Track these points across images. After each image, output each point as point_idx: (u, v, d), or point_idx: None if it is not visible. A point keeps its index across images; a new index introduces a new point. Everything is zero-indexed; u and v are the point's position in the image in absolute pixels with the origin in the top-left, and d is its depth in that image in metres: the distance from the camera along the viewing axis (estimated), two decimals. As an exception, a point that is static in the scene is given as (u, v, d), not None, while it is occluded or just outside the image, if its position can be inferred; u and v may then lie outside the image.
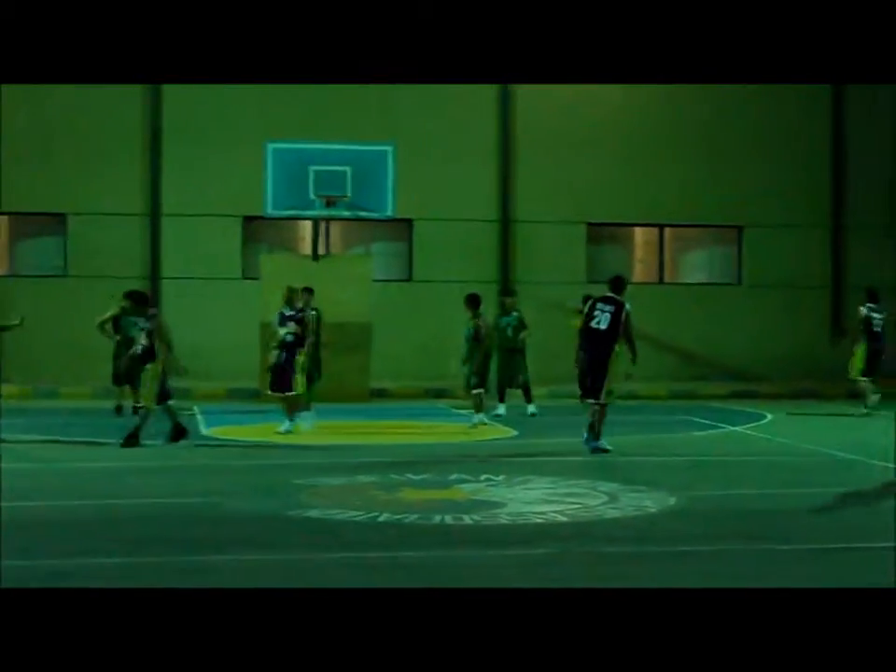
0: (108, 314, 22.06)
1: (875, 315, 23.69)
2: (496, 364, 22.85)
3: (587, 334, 17.44)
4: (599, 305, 17.34)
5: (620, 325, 17.10)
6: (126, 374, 21.67)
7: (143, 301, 18.49)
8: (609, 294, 17.48)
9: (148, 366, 17.76)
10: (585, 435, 17.27)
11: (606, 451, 17.10)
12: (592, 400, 17.28)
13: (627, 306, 17.25)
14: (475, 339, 20.85)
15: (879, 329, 23.66)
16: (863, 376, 23.48)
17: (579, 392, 18.04)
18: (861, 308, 23.88)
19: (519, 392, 23.39)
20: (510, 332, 23.22)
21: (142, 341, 17.89)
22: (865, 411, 22.96)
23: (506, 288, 24.41)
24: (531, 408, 23.02)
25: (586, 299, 21.49)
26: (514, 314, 23.50)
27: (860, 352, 23.62)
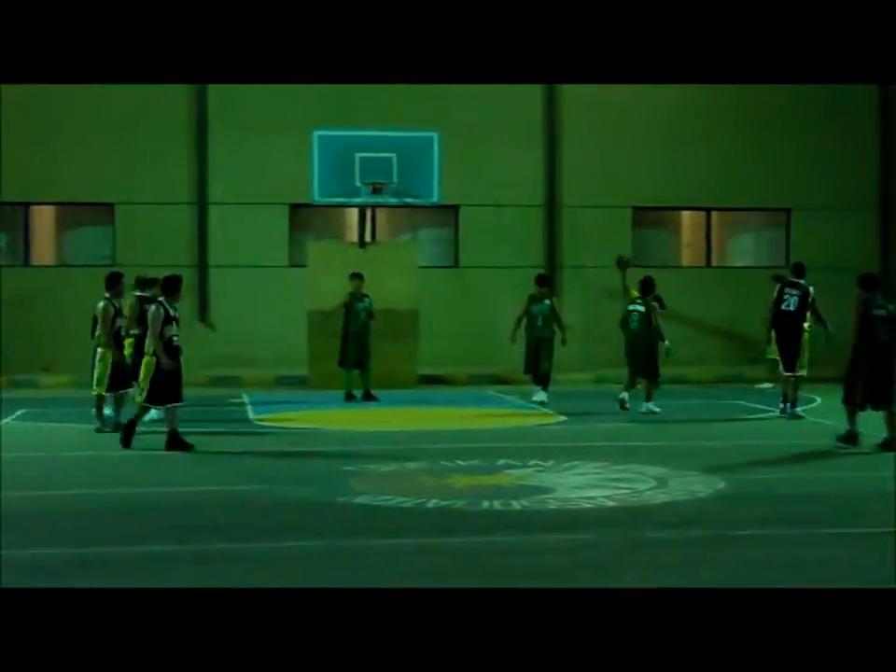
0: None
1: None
2: (525, 352, 22.54)
3: (779, 316, 19.64)
4: (787, 290, 19.66)
5: (807, 305, 19.58)
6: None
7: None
8: (794, 279, 19.83)
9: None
10: (781, 406, 19.79)
11: (800, 417, 19.49)
12: (788, 373, 19.74)
13: (811, 289, 19.71)
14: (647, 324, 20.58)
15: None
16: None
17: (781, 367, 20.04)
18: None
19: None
20: (540, 321, 22.41)
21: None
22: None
23: (540, 276, 23.48)
24: (542, 395, 22.15)
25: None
26: (546, 302, 22.66)
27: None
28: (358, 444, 16.90)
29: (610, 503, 12.20)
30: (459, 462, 14.89)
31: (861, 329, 16.06)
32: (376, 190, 25.69)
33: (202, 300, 29.98)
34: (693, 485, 13.14)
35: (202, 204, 30.26)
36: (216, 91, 29.71)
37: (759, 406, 21.54)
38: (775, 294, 19.78)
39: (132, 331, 18.71)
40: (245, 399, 23.05)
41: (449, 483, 13.42)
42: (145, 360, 16.45)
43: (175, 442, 16.13)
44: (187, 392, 19.29)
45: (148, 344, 16.37)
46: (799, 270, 20.19)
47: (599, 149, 31.14)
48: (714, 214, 32.42)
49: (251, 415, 20.25)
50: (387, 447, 16.50)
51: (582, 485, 13.22)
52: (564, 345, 22.45)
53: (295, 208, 30.29)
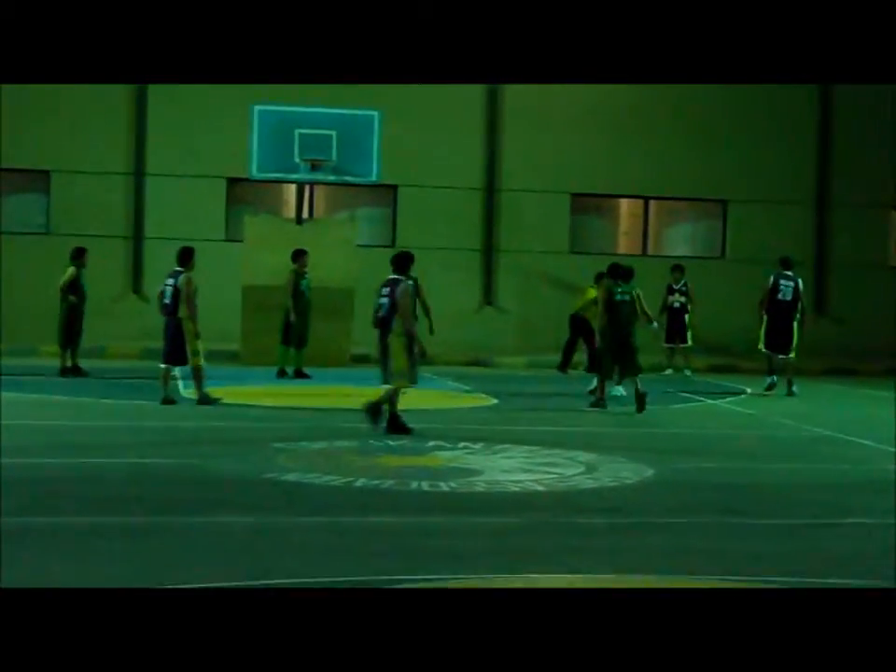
0: (68, 274, 21.94)
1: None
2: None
3: (775, 305, 21.91)
4: (782, 282, 21.98)
5: (799, 295, 21.97)
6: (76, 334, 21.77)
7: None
8: (786, 272, 22.06)
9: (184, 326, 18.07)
10: (769, 381, 21.95)
11: (793, 394, 21.60)
12: (782, 356, 22.03)
13: (800, 280, 22.10)
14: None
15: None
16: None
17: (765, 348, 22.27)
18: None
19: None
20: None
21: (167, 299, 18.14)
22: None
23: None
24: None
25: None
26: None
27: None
28: (289, 421, 16.87)
29: (538, 488, 12.24)
30: (389, 442, 14.90)
31: (607, 311, 18.66)
32: (315, 167, 25.62)
33: (136, 271, 29.80)
34: (622, 472, 13.20)
35: (139, 175, 30.08)
36: (156, 62, 29.45)
37: (689, 395, 21.67)
38: (769, 285, 21.97)
39: (70, 298, 21.73)
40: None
41: (378, 462, 13.43)
42: (399, 343, 16.29)
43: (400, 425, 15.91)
44: (119, 364, 19.21)
45: (398, 324, 16.10)
46: (788, 263, 22.25)
47: (539, 135, 31.21)
48: (652, 203, 32.60)
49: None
50: (318, 425, 16.48)
51: (511, 469, 13.25)
52: (432, 334, 21.11)
53: (233, 182, 30.17)
